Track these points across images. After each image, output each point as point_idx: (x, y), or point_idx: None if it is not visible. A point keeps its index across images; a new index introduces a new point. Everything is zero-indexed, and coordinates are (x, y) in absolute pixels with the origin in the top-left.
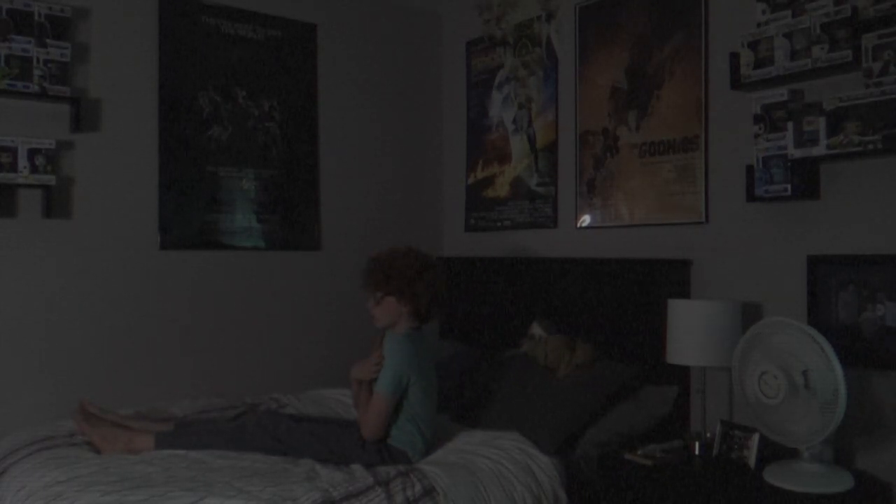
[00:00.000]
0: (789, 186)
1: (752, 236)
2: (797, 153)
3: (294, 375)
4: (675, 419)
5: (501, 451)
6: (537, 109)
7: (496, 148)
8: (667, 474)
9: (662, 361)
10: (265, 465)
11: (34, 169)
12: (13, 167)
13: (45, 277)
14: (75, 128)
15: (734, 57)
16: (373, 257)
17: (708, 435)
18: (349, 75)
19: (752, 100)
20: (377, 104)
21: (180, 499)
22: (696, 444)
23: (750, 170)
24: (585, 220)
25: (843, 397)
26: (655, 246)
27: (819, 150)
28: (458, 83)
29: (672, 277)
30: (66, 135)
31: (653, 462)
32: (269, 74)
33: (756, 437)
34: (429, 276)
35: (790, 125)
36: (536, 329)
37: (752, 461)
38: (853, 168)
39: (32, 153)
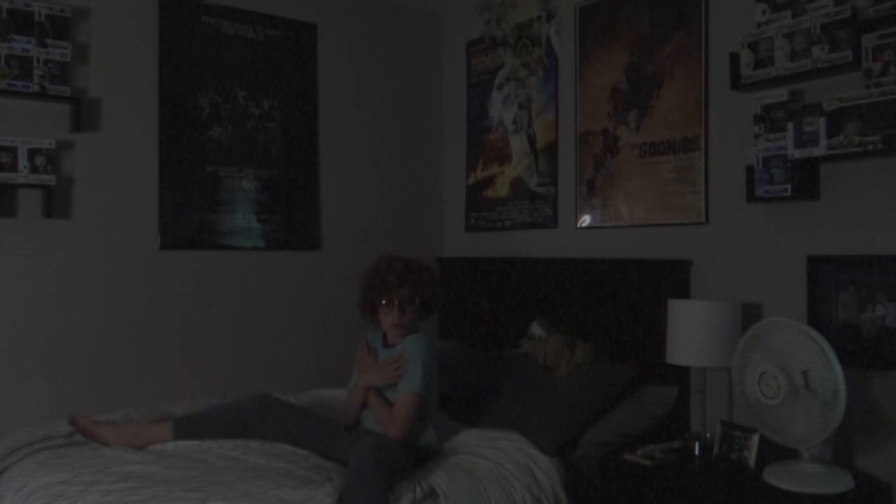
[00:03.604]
0: (789, 187)
1: (752, 236)
2: (797, 153)
3: (294, 375)
4: (675, 419)
5: (501, 452)
6: (537, 109)
7: (496, 148)
8: (667, 474)
9: (662, 361)
10: (268, 466)
11: (34, 169)
12: (13, 167)
13: (45, 277)
14: (75, 128)
15: (734, 57)
16: (396, 267)
17: (708, 435)
18: (349, 75)
19: (752, 100)
20: (377, 104)
21: (182, 499)
22: (696, 445)
23: (750, 170)
24: (585, 220)
25: (843, 397)
26: (655, 246)
27: (819, 151)
28: (458, 83)
29: (672, 277)
30: (66, 135)
31: (653, 462)
32: (269, 74)
33: (756, 438)
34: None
35: (790, 125)
36: (536, 329)
37: (751, 461)
38: (853, 168)
39: (32, 153)
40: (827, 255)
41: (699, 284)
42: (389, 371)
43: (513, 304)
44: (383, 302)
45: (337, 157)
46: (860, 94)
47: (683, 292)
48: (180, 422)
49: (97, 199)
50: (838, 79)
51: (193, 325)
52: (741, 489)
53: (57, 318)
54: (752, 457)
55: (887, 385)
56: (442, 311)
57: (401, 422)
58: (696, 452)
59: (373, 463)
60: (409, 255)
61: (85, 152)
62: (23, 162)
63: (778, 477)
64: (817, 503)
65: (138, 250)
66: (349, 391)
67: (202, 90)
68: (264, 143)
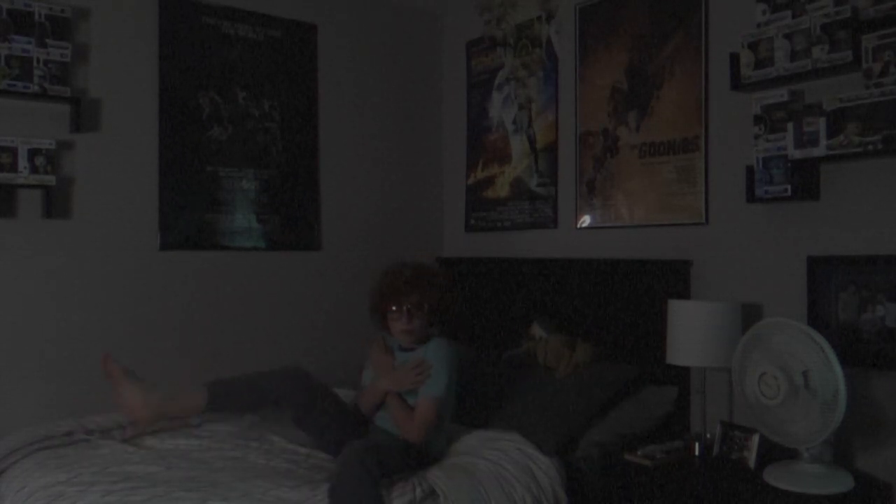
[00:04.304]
0: (789, 187)
1: (752, 237)
2: (797, 154)
3: None
4: (675, 419)
5: (501, 453)
6: (537, 110)
7: (496, 148)
8: (667, 475)
9: (662, 361)
10: (268, 466)
11: (34, 169)
12: (13, 167)
13: (45, 277)
14: (75, 128)
15: (734, 57)
16: (405, 273)
17: (708, 435)
18: (349, 75)
19: (752, 100)
20: (377, 104)
21: (182, 499)
22: (696, 445)
23: (750, 170)
24: (585, 220)
25: (843, 398)
26: (655, 246)
27: (819, 151)
28: (458, 83)
29: (672, 278)
30: (66, 135)
31: (653, 462)
32: (269, 74)
33: (756, 438)
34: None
35: (790, 126)
36: (536, 329)
37: (752, 462)
38: (853, 169)
39: (32, 153)
40: (827, 255)
41: (699, 284)
42: (411, 376)
43: (513, 304)
44: (392, 308)
45: (337, 158)
46: (860, 94)
47: (683, 292)
48: (214, 391)
49: (97, 199)
50: (838, 79)
51: (193, 325)
52: (741, 489)
53: (57, 318)
54: (752, 457)
55: (887, 385)
56: (455, 316)
57: (421, 426)
58: (696, 452)
59: (359, 464)
60: (409, 255)
61: (85, 152)
62: (23, 162)
63: (778, 477)
64: (817, 503)
65: (138, 250)
66: (364, 389)
67: (202, 90)
68: (264, 143)
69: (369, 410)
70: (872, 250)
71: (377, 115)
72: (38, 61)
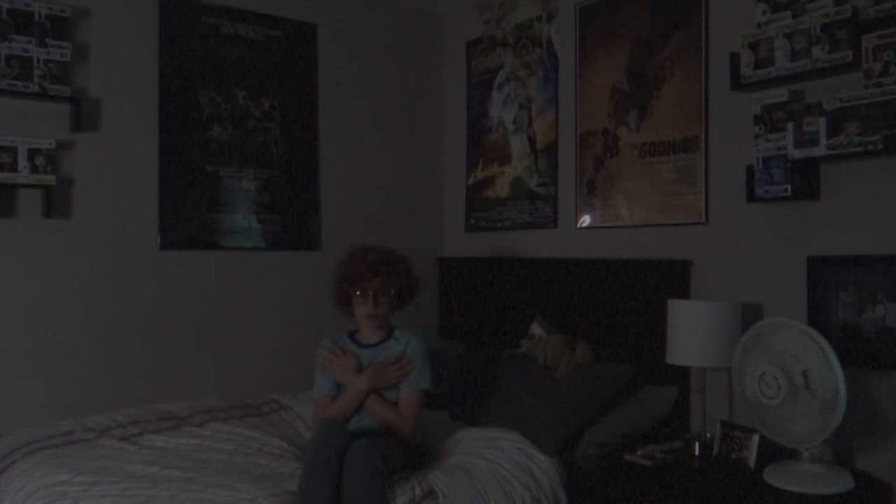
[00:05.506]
0: (789, 187)
1: (752, 237)
2: (797, 154)
3: (294, 375)
4: (675, 419)
5: (500, 452)
6: (537, 110)
7: (496, 148)
8: (667, 475)
9: (662, 362)
10: (269, 466)
11: (34, 169)
12: (13, 167)
13: (45, 277)
14: (75, 128)
15: (734, 57)
16: (370, 257)
17: (708, 435)
18: (349, 75)
19: (753, 100)
20: (377, 104)
21: (182, 500)
22: (696, 445)
23: (750, 170)
24: (585, 220)
25: (843, 398)
26: (655, 246)
27: (819, 151)
28: (458, 83)
29: (672, 277)
30: (66, 135)
31: (653, 462)
32: (269, 74)
33: (756, 438)
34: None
35: (790, 126)
36: (536, 329)
37: (751, 462)
38: (853, 168)
39: (32, 153)
40: (827, 255)
41: (699, 284)
42: (394, 371)
43: (513, 304)
44: (357, 293)
45: (337, 158)
46: (860, 94)
47: (683, 292)
48: None
49: (97, 199)
50: (838, 79)
51: (193, 325)
52: (741, 489)
53: (57, 317)
54: (752, 457)
55: (887, 385)
56: (417, 303)
57: (413, 418)
58: (696, 452)
59: (369, 465)
60: (409, 255)
61: (85, 152)
62: (23, 162)
63: (778, 477)
64: (817, 503)
65: (138, 250)
66: (322, 399)
67: (202, 90)
68: (264, 143)
69: (349, 417)
70: (872, 250)
71: (377, 115)
72: (38, 61)
